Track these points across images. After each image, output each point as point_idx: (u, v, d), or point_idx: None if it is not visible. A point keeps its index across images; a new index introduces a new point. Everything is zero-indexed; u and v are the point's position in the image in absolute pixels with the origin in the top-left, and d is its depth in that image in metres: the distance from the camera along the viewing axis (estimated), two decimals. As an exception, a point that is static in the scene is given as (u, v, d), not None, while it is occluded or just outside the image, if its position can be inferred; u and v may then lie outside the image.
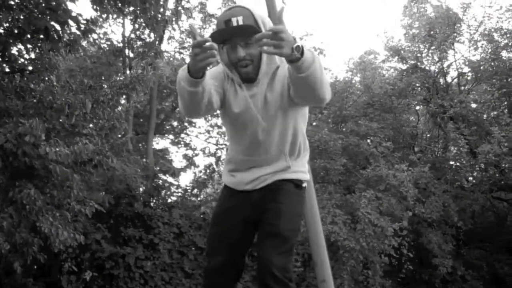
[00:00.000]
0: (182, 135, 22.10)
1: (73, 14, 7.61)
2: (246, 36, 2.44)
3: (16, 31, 7.59)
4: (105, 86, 8.78)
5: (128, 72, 14.40)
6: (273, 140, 2.70)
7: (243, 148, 2.76)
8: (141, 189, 13.95)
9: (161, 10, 9.10)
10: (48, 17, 7.46)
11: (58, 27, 7.53)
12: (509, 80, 16.65)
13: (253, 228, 2.77)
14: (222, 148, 19.96)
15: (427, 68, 17.74)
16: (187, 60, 17.55)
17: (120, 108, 10.74)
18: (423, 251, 14.55)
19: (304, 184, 2.87)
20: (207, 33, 17.63)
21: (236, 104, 2.63)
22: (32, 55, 8.05)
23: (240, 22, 2.41)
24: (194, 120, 21.63)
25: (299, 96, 2.44)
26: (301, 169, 2.85)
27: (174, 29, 16.04)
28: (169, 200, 15.15)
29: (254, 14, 2.46)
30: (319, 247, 4.40)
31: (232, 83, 2.63)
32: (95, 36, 13.51)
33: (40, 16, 7.45)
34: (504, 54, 16.95)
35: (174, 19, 9.02)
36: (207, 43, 2.13)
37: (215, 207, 3.00)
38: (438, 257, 13.92)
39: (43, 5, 7.45)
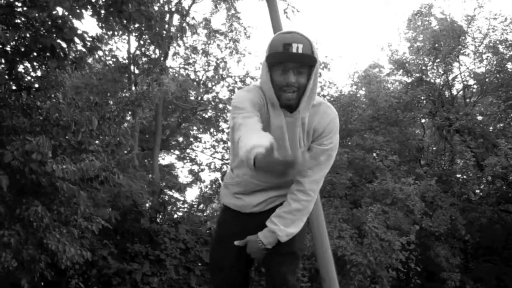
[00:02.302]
0: (188, 151, 22.13)
1: (79, 31, 7.65)
2: (302, 64, 2.42)
3: (22, 49, 7.64)
4: (111, 102, 8.82)
5: (133, 88, 14.46)
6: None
7: (260, 175, 2.68)
8: (147, 205, 13.96)
9: (166, 26, 9.15)
10: (54, 35, 7.50)
11: (64, 44, 7.57)
12: (515, 92, 16.63)
13: None
14: (228, 164, 19.95)
15: (432, 81, 17.75)
16: (192, 76, 17.63)
17: (126, 124, 10.80)
18: (431, 265, 14.47)
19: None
20: (212, 48, 17.75)
21: (266, 129, 2.54)
22: (39, 73, 8.09)
23: (300, 50, 2.38)
24: (199, 135, 21.71)
25: None
26: None
27: (179, 45, 16.13)
28: (175, 216, 15.15)
29: (312, 46, 2.45)
30: (327, 261, 4.38)
31: (266, 109, 2.57)
32: (100, 53, 13.57)
33: (46, 34, 7.50)
34: (509, 66, 16.95)
35: (179, 35, 9.03)
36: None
37: (219, 227, 2.96)
38: (446, 270, 13.84)
39: (49, 23, 7.50)
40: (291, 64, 2.41)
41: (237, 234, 2.75)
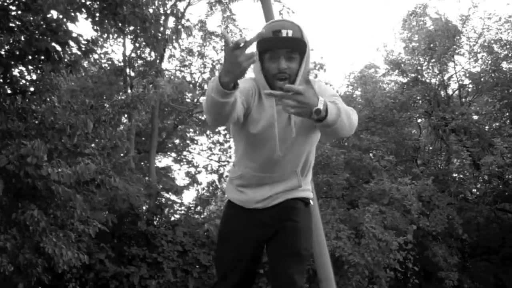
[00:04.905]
0: (184, 153, 22.12)
1: (74, 34, 7.65)
2: (292, 49, 2.42)
3: (17, 53, 7.63)
4: (107, 105, 8.80)
5: (129, 91, 14.43)
6: (289, 160, 2.66)
7: (257, 165, 2.69)
8: (144, 207, 13.93)
9: (161, 29, 9.15)
10: (49, 38, 7.50)
11: (59, 48, 7.57)
12: (510, 91, 16.63)
13: (261, 246, 2.74)
14: (225, 165, 19.96)
15: (427, 81, 17.76)
16: (188, 78, 17.64)
17: (121, 127, 10.79)
18: (428, 265, 14.47)
19: (311, 202, 2.87)
20: (207, 50, 17.77)
21: (260, 120, 2.56)
22: (34, 76, 8.09)
23: (290, 35, 2.39)
24: (196, 137, 21.70)
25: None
26: (308, 188, 2.83)
27: (174, 47, 16.07)
28: (173, 218, 15.12)
29: (302, 31, 2.45)
30: (324, 262, 4.38)
31: (259, 98, 2.56)
32: (96, 56, 13.51)
33: (41, 37, 7.49)
34: (504, 65, 16.97)
35: (174, 37, 9.02)
36: (246, 42, 2.04)
37: (222, 225, 2.92)
38: (444, 270, 13.84)
39: (44, 26, 7.49)
40: (282, 50, 2.40)
41: (241, 230, 2.73)
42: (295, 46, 2.42)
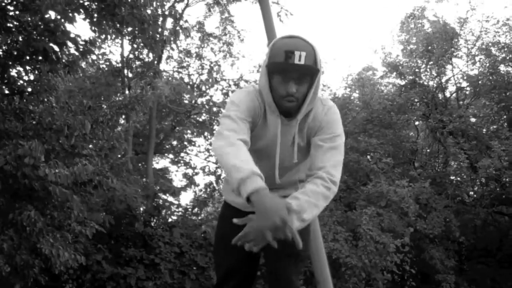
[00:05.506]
0: (182, 154, 22.11)
1: (72, 35, 7.63)
2: (303, 75, 2.34)
3: (15, 53, 7.61)
4: (104, 106, 8.80)
5: (127, 92, 14.44)
6: (289, 175, 2.66)
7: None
8: (141, 209, 13.91)
9: (160, 30, 9.14)
10: (47, 39, 7.48)
11: (56, 48, 7.55)
12: (507, 94, 16.69)
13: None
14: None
15: (425, 83, 17.79)
16: (186, 79, 17.61)
17: (119, 128, 10.78)
18: (425, 267, 14.48)
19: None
20: (205, 52, 17.74)
21: (262, 137, 2.53)
22: (31, 77, 8.06)
23: (303, 59, 2.28)
24: (193, 139, 21.68)
25: None
26: None
27: (172, 48, 16.05)
28: (170, 220, 15.09)
29: (316, 53, 2.36)
30: (321, 264, 4.37)
31: (264, 115, 2.51)
32: (94, 57, 13.54)
33: (38, 37, 7.47)
34: (502, 68, 17.03)
35: (172, 38, 9.02)
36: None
37: (220, 227, 2.88)
38: (441, 272, 13.85)
39: (42, 27, 7.47)
40: (292, 74, 2.32)
41: (237, 234, 2.72)
42: (307, 74, 2.35)
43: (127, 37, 11.97)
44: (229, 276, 2.71)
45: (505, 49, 16.83)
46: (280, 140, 2.52)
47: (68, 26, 7.62)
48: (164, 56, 16.93)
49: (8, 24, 7.50)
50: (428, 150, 18.75)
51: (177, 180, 24.54)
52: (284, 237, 2.06)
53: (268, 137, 2.52)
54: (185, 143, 21.90)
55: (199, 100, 18.75)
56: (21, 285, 7.97)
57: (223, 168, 2.29)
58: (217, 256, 2.84)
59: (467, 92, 18.59)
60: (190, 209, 17.91)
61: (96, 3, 7.71)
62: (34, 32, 7.51)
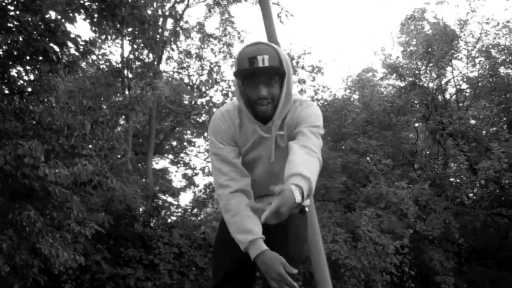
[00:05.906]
0: (182, 155, 22.10)
1: (72, 35, 7.62)
2: (272, 76, 2.39)
3: (15, 53, 7.61)
4: (104, 106, 8.80)
5: (127, 92, 14.43)
6: (279, 179, 2.66)
7: (252, 181, 2.65)
8: (141, 209, 13.91)
9: (160, 30, 9.15)
10: (47, 39, 7.47)
11: (57, 48, 7.55)
12: (507, 96, 16.70)
13: None
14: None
15: (425, 85, 17.80)
16: (186, 80, 17.62)
17: (119, 128, 10.77)
18: (424, 269, 14.48)
19: (307, 209, 2.86)
20: (205, 52, 17.76)
21: (245, 146, 2.58)
22: (31, 77, 8.05)
23: (266, 62, 2.34)
24: (193, 139, 21.69)
25: None
26: None
27: (172, 49, 16.07)
28: (169, 220, 15.11)
29: (279, 53, 2.41)
30: (321, 266, 4.37)
31: (240, 126, 2.56)
32: (94, 57, 13.55)
33: (39, 38, 7.47)
34: (502, 70, 17.04)
35: (172, 39, 9.03)
36: None
37: (219, 230, 2.89)
38: (440, 274, 13.86)
39: (42, 27, 7.47)
40: (261, 78, 2.37)
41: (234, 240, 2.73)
42: (273, 74, 2.39)
43: (127, 38, 12.00)
44: (229, 278, 2.72)
45: (505, 51, 16.85)
46: (263, 146, 2.56)
47: (69, 26, 7.63)
48: (164, 56, 16.95)
49: (9, 24, 7.50)
50: (427, 152, 18.75)
51: (177, 180, 24.54)
52: (286, 284, 2.33)
53: (249, 147, 2.57)
54: (185, 143, 21.90)
55: (199, 101, 18.75)
56: (20, 285, 7.97)
57: (225, 217, 2.55)
58: (216, 258, 2.84)
59: (467, 94, 18.61)
60: (189, 210, 17.94)
61: (96, 4, 7.71)
62: (35, 32, 7.51)
